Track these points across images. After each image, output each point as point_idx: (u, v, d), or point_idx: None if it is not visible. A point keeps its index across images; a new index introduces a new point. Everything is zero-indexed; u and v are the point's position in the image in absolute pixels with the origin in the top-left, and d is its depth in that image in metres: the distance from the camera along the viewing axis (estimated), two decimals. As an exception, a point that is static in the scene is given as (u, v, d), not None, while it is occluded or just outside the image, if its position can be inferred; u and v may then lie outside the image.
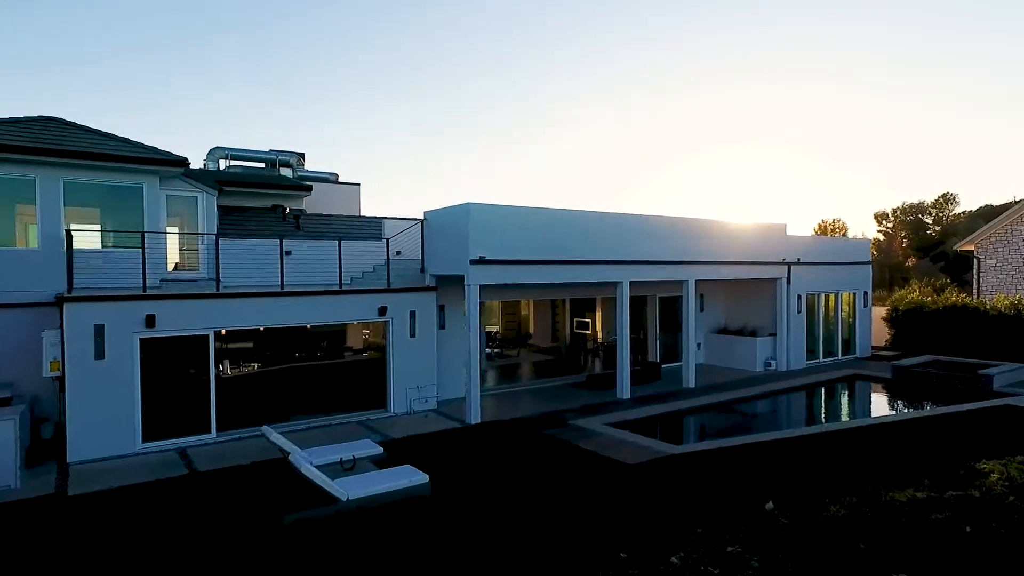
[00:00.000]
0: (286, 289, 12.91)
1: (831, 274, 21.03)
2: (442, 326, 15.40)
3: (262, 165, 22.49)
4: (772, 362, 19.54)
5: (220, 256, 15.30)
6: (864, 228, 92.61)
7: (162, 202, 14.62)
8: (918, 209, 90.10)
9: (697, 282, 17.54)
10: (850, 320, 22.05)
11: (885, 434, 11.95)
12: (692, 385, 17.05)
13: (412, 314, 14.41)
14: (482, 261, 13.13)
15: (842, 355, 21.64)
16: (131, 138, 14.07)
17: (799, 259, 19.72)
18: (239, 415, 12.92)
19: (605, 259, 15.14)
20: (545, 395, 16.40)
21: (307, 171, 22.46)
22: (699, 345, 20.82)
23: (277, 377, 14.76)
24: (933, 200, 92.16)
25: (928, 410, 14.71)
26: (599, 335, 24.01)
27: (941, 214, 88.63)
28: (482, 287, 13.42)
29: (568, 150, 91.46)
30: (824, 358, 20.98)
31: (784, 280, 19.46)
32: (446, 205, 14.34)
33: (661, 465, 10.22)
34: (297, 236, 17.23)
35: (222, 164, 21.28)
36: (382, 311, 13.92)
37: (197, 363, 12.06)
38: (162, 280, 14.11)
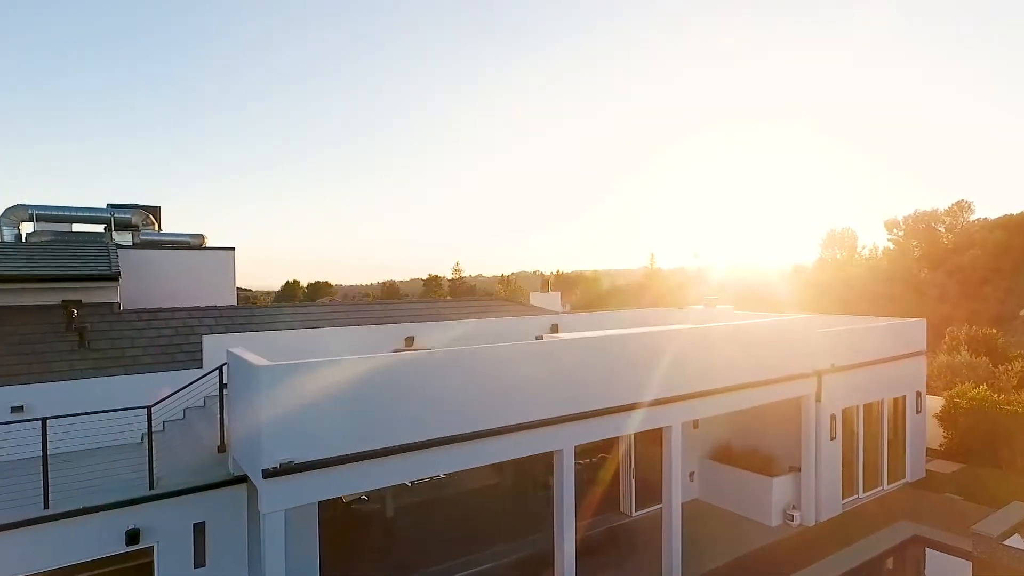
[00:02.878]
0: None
1: (874, 376, 15.05)
2: (275, 520, 9.52)
3: (100, 228, 16.65)
4: (794, 512, 13.64)
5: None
6: (875, 237, 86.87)
7: None
8: (931, 217, 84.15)
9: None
10: (899, 431, 16.11)
11: None
12: (677, 575, 11.20)
13: (198, 530, 8.54)
14: (285, 471, 7.25)
15: (888, 483, 15.68)
16: None
17: (832, 364, 13.83)
18: None
19: (527, 421, 9.26)
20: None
21: (157, 233, 16.55)
22: (692, 475, 14.96)
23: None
24: (947, 207, 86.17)
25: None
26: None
27: (955, 223, 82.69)
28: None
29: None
30: (865, 492, 15.02)
31: (812, 397, 13.55)
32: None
33: None
34: (74, 360, 11.38)
35: (26, 228, 15.43)
36: (133, 538, 8.04)
37: None
38: None
